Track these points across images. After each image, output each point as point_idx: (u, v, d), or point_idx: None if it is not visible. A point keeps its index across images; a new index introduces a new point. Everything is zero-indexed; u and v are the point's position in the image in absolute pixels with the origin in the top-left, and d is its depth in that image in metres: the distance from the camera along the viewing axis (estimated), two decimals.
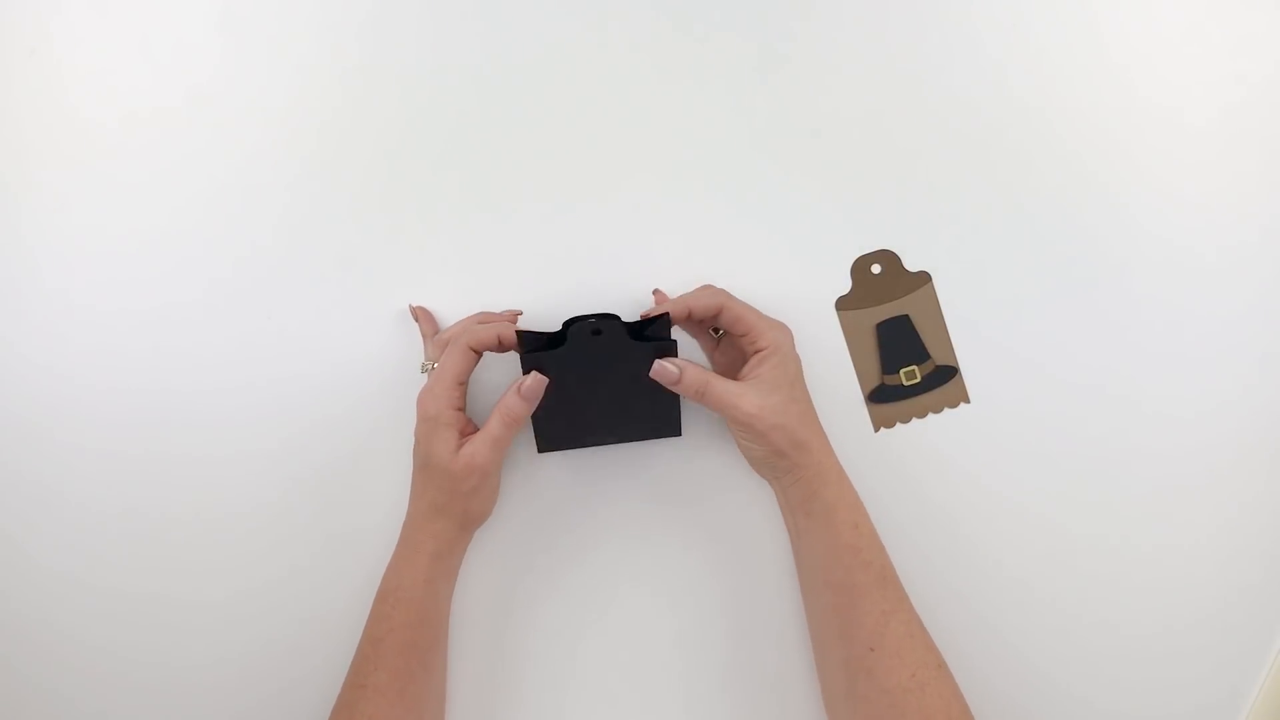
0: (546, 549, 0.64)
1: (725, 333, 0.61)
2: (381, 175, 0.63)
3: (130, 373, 0.63)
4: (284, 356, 0.64)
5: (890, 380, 0.62)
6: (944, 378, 0.62)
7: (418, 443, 0.58)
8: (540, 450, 0.61)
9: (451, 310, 0.64)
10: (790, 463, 0.57)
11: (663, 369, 0.56)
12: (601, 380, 0.57)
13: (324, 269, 0.64)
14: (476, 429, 0.58)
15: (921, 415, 0.63)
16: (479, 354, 0.58)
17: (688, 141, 0.63)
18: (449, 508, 0.58)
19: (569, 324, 0.58)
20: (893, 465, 0.64)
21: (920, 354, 0.62)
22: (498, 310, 0.63)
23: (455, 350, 0.57)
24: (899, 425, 0.63)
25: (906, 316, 0.62)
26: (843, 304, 0.62)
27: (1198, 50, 0.64)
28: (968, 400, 0.63)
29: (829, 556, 0.57)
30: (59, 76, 0.63)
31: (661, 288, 0.62)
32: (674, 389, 0.57)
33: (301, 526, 0.64)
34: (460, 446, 0.57)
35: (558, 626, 0.64)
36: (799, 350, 0.59)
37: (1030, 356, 0.64)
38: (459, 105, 0.63)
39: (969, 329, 0.63)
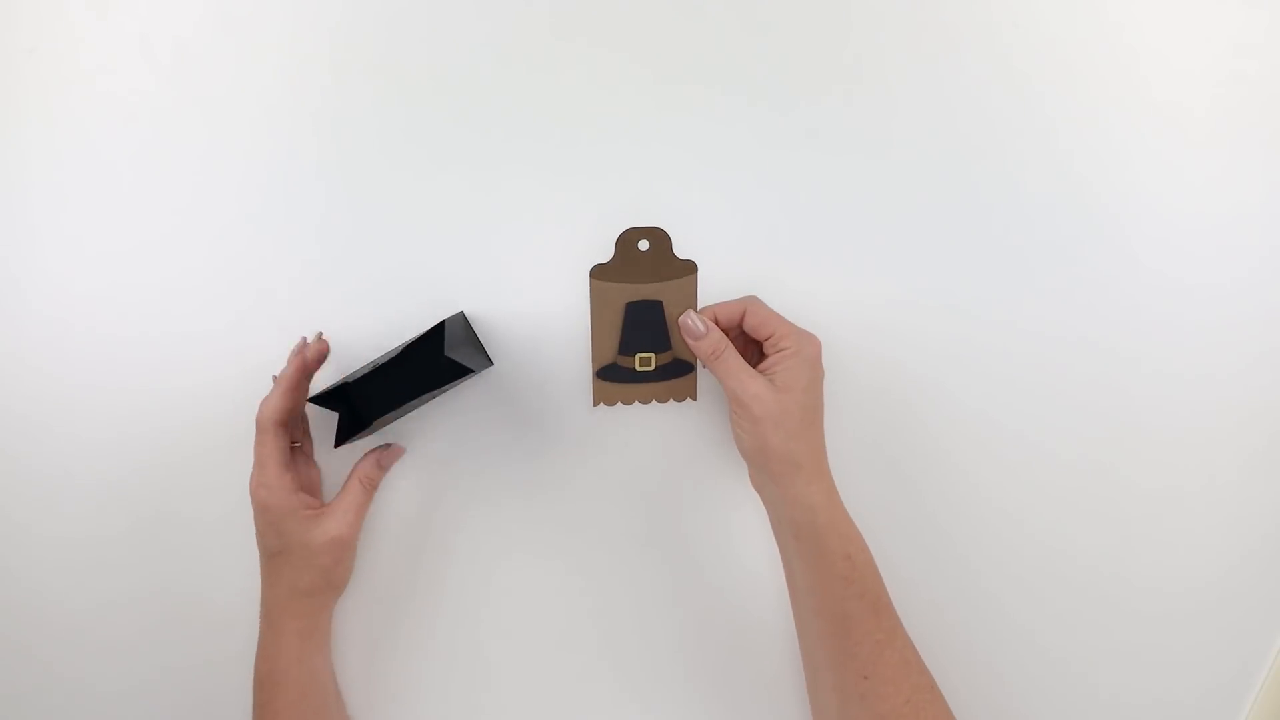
0: (532, 550, 0.64)
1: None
2: (379, 174, 0.64)
3: (129, 370, 0.63)
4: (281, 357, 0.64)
5: (623, 362, 0.60)
6: (678, 371, 0.60)
7: (261, 534, 0.58)
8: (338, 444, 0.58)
9: (447, 304, 0.64)
10: (778, 471, 0.57)
11: (690, 320, 0.57)
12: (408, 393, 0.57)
13: (323, 269, 0.64)
14: (319, 501, 0.58)
15: (645, 401, 0.62)
16: (287, 425, 0.58)
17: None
18: (311, 585, 0.57)
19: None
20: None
21: (662, 343, 0.61)
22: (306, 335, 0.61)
23: (265, 437, 0.56)
24: (620, 405, 0.62)
25: (659, 303, 0.60)
26: (598, 273, 0.60)
27: (1197, 50, 0.64)
28: (694, 398, 0.62)
29: (820, 585, 0.56)
30: (59, 76, 0.63)
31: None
32: (693, 344, 0.58)
33: None
34: (317, 522, 0.56)
35: (535, 630, 0.65)
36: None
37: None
38: (458, 104, 0.63)
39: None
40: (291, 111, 0.64)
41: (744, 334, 0.60)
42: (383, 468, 0.59)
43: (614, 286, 0.59)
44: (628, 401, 0.61)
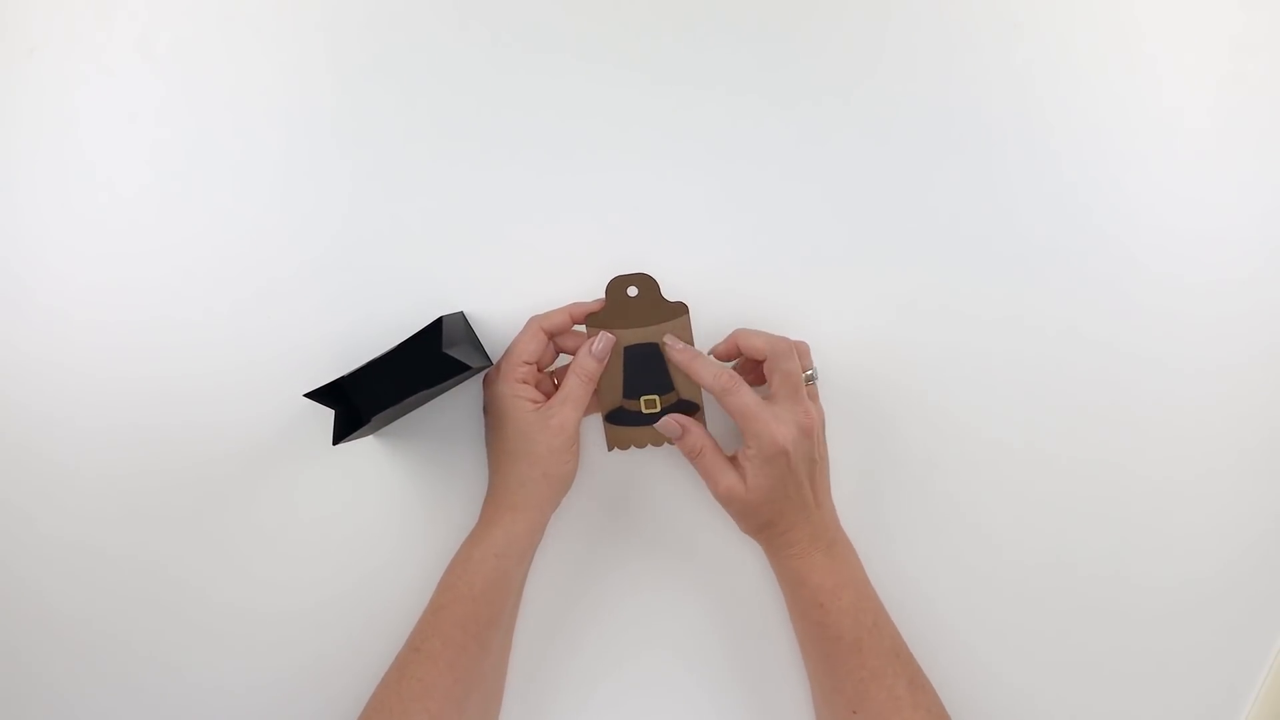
0: (539, 552, 0.64)
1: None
2: (381, 171, 0.64)
3: (128, 364, 0.63)
4: (281, 355, 0.64)
5: (629, 405, 0.61)
6: (685, 411, 0.61)
7: (490, 425, 0.60)
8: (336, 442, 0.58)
9: (447, 304, 0.64)
10: (754, 538, 0.60)
11: (667, 425, 0.59)
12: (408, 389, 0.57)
13: (323, 268, 0.64)
14: (544, 399, 0.60)
15: (658, 443, 0.62)
16: (551, 336, 0.60)
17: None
18: (529, 476, 0.58)
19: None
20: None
21: (664, 385, 0.61)
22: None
23: (525, 331, 0.60)
24: (634, 449, 0.63)
25: (656, 346, 0.61)
26: (593, 321, 0.61)
27: (1197, 50, 0.65)
28: None
29: (798, 627, 0.60)
30: (59, 76, 0.63)
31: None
32: (675, 444, 0.60)
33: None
34: (538, 412, 0.58)
35: (549, 637, 0.64)
36: None
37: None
38: (460, 105, 0.64)
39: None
40: (292, 112, 0.64)
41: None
42: (597, 359, 0.59)
43: (611, 333, 0.60)
44: (640, 444, 0.62)
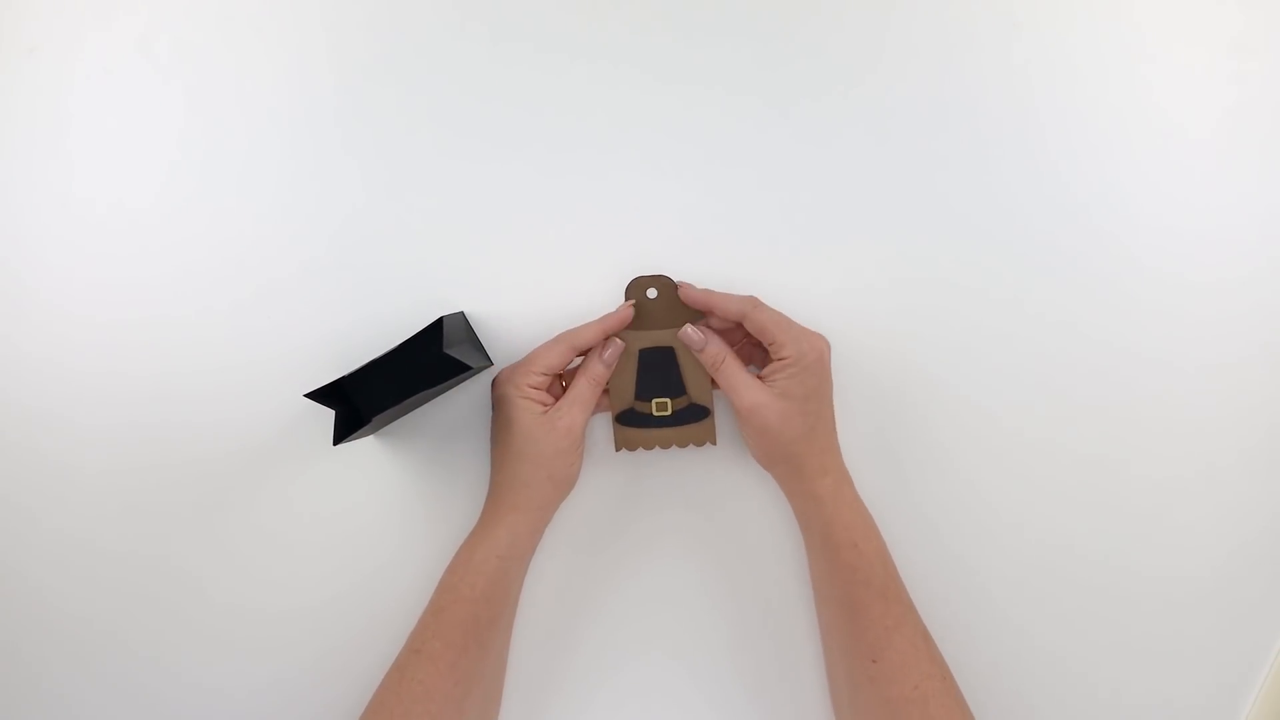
0: (542, 550, 0.64)
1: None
2: (382, 170, 0.64)
3: (127, 361, 0.63)
4: (281, 354, 0.64)
5: (641, 408, 0.61)
6: (696, 416, 0.61)
7: (496, 425, 0.60)
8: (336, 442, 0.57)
9: (447, 304, 0.63)
10: (784, 471, 0.59)
11: (689, 333, 0.59)
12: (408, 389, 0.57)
13: (324, 267, 0.64)
14: (552, 400, 0.60)
15: (665, 446, 0.62)
16: (578, 353, 0.60)
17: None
18: (533, 477, 0.58)
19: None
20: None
21: (677, 388, 0.61)
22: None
23: (555, 344, 0.59)
24: (641, 450, 0.63)
25: (671, 349, 0.61)
26: None
27: (1197, 50, 0.65)
28: (714, 442, 0.62)
29: (828, 572, 0.58)
30: (58, 76, 0.63)
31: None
32: (697, 355, 0.59)
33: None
34: (546, 414, 0.58)
35: (553, 629, 0.64)
36: None
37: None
38: (462, 104, 0.64)
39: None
40: (293, 111, 0.64)
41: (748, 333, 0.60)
42: (606, 364, 0.60)
43: (626, 334, 0.61)
44: (648, 446, 0.63)
